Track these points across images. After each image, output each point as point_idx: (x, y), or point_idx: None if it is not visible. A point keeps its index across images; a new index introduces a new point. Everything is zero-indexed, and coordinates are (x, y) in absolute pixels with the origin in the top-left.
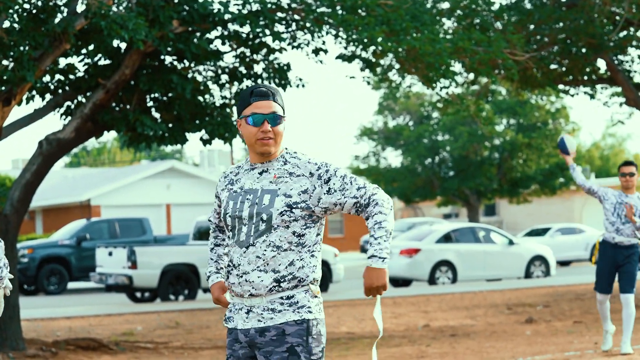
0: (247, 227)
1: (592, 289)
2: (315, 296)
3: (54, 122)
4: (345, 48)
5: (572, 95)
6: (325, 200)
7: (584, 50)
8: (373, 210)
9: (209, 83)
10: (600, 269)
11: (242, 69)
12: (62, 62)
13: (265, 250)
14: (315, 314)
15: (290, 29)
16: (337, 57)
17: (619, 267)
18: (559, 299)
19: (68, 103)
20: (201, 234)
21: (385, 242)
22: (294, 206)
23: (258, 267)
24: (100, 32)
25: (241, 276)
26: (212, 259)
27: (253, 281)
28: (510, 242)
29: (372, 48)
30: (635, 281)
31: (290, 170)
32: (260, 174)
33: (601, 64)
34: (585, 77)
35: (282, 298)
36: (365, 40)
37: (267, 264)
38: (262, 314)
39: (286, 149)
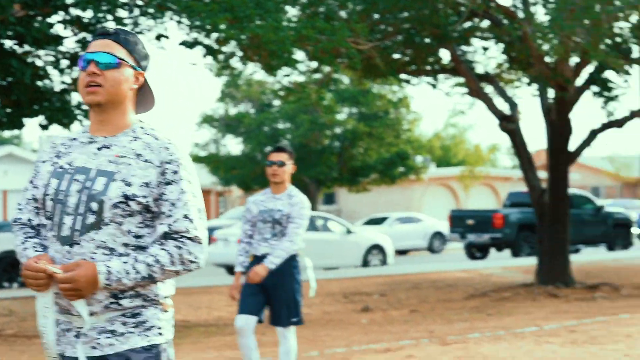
0: (71, 219)
1: (429, 279)
2: (166, 310)
3: None
4: (188, 34)
5: (414, 85)
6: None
7: (427, 40)
8: (172, 244)
9: (49, 68)
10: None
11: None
12: None
13: (94, 253)
14: (167, 335)
15: (132, 15)
16: (180, 44)
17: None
18: (396, 288)
19: None
20: None
21: (136, 274)
22: (132, 198)
23: None
24: None
25: None
26: (26, 239)
27: None
28: (348, 231)
29: (215, 35)
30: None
31: (139, 150)
32: (99, 149)
33: (445, 54)
34: (429, 67)
35: (124, 316)
36: (208, 27)
37: None
38: (98, 338)
39: (141, 121)
